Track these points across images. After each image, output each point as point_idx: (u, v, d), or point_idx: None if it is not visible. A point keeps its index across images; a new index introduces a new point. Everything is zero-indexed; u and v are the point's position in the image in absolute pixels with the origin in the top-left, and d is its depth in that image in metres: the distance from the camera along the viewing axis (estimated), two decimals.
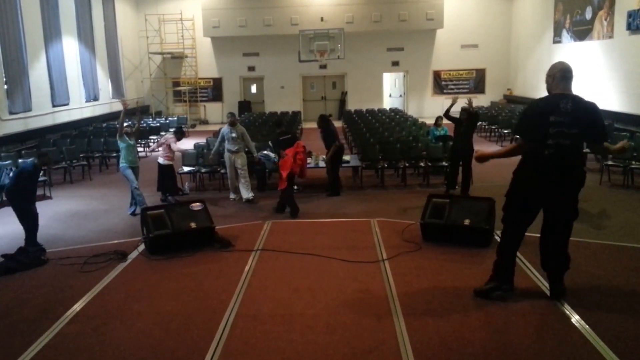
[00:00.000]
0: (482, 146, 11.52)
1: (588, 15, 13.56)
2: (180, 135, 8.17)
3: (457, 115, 7.95)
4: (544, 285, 4.08)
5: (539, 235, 5.50)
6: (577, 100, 3.68)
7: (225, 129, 8.06)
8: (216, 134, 12.95)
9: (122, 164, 7.29)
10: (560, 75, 3.71)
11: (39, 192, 9.27)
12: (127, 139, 7.27)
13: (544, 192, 3.74)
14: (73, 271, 4.70)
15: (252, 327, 3.58)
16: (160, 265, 4.81)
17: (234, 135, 7.79)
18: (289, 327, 3.57)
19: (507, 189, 3.94)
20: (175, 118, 17.48)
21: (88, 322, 3.72)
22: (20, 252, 5.01)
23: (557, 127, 3.61)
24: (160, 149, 8.29)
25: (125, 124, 7.40)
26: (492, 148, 11.65)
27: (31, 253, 4.97)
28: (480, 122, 15.45)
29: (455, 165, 8.03)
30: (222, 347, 3.33)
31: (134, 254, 5.05)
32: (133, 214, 7.27)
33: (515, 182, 3.89)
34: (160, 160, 7.98)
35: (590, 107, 3.70)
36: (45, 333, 3.56)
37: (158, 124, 15.70)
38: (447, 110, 8.09)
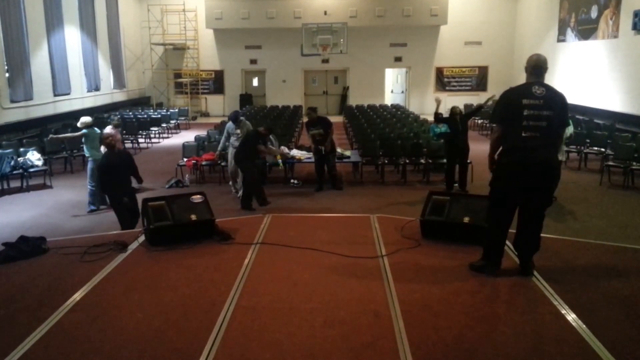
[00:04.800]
0: (478, 143, 11.49)
1: (594, 14, 13.50)
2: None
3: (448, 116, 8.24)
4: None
5: None
6: (548, 86, 3.97)
7: (229, 124, 8.21)
8: (217, 126, 12.99)
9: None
10: (533, 66, 4.01)
11: (39, 181, 9.29)
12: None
13: (523, 183, 3.92)
14: (73, 261, 4.71)
15: (251, 320, 3.60)
16: (160, 256, 4.82)
17: (238, 131, 8.03)
18: (287, 321, 3.59)
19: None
20: (177, 110, 17.46)
21: (88, 312, 3.74)
22: (21, 240, 5.02)
23: (531, 109, 3.85)
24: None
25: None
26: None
27: (32, 242, 4.99)
28: (480, 120, 15.48)
29: (452, 164, 8.09)
30: (220, 338, 3.35)
31: (134, 245, 5.07)
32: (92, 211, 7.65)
33: (497, 173, 4.09)
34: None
35: (560, 93, 4.01)
36: (45, 322, 3.58)
37: (159, 116, 15.69)
38: (437, 114, 8.22)
